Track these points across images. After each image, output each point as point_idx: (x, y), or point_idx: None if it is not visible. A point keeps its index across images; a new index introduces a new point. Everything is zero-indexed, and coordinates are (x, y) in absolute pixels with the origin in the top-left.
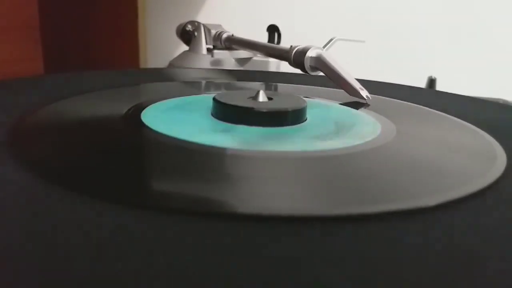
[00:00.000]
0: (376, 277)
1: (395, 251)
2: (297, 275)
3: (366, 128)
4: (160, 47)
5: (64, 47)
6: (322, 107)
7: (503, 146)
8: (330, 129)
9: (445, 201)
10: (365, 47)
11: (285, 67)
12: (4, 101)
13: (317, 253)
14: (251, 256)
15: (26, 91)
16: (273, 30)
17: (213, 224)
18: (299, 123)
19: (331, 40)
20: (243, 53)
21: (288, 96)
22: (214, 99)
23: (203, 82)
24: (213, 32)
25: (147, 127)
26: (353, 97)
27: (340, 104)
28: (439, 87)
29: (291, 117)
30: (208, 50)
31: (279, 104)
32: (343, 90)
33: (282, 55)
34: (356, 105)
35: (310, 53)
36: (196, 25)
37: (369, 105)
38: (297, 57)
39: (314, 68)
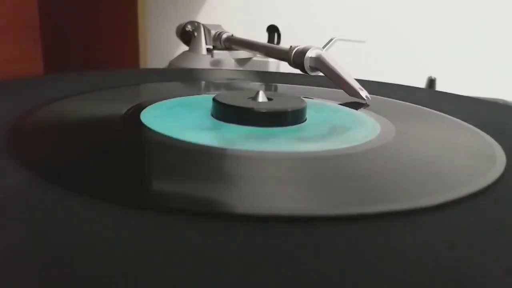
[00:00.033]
0: (376, 277)
1: (395, 251)
2: (297, 275)
3: (365, 128)
4: (160, 47)
5: (64, 47)
6: (322, 107)
7: (502, 146)
8: (330, 130)
9: (445, 201)
10: (365, 47)
11: (284, 67)
12: (4, 101)
13: (317, 253)
14: (251, 256)
15: (26, 91)
16: (273, 30)
17: (213, 224)
18: (298, 124)
19: (330, 40)
20: (242, 54)
21: (287, 96)
22: (213, 99)
23: (226, 81)
24: (213, 32)
25: (147, 127)
26: (353, 98)
27: (340, 104)
28: (439, 87)
29: (290, 117)
30: (208, 50)
31: (278, 104)
32: (342, 91)
33: (281, 55)
34: (356, 105)
35: (310, 54)
36: (196, 25)
37: (368, 105)
38: (296, 58)
39: (314, 69)
